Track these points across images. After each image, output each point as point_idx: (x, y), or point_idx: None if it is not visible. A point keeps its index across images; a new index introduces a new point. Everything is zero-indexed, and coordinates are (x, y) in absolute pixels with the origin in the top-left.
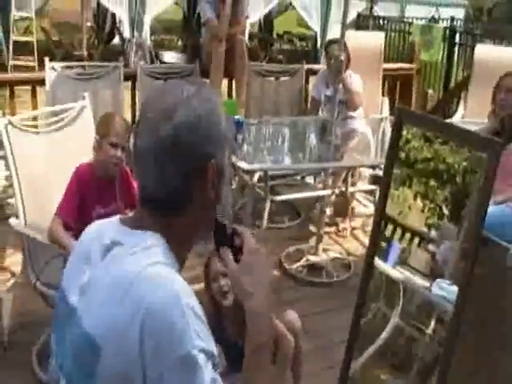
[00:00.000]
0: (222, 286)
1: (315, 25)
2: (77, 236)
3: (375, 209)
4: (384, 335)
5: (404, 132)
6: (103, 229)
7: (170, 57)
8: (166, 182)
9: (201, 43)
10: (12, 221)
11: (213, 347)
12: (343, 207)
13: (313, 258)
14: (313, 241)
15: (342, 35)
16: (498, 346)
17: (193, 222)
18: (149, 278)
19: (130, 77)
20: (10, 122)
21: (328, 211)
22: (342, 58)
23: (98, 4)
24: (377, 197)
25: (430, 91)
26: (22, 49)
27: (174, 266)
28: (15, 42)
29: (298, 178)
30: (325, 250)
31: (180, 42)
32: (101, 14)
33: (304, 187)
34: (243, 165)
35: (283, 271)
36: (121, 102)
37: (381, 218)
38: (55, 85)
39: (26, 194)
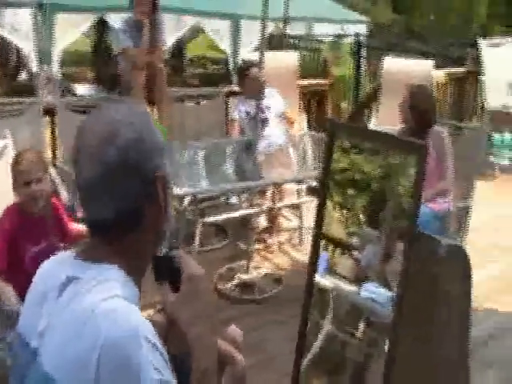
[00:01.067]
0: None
1: (227, 48)
2: (10, 280)
3: (315, 223)
4: (318, 343)
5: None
6: (58, 265)
7: (82, 89)
8: (117, 205)
9: (118, 73)
10: None
11: (170, 376)
12: (270, 223)
13: (244, 277)
14: (243, 259)
15: (262, 56)
16: (431, 334)
17: (147, 237)
18: (105, 314)
19: (48, 112)
20: None
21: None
22: (263, 78)
23: (2, 38)
24: (302, 210)
25: (344, 104)
26: None
27: (132, 296)
28: None
29: (222, 199)
30: (255, 268)
31: (91, 74)
32: (4, 49)
33: (229, 208)
34: (175, 190)
35: (217, 292)
36: (41, 138)
37: (318, 232)
38: None
39: None
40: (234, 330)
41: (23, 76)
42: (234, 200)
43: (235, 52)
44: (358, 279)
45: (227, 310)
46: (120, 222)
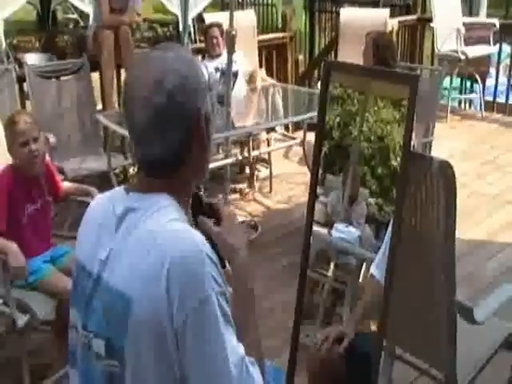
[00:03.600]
0: None
1: (176, 9)
2: (11, 237)
3: (312, 171)
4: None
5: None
6: (110, 201)
7: (31, 58)
8: (170, 144)
9: (87, 35)
10: None
11: (226, 287)
12: (244, 173)
13: None
14: None
15: (231, 13)
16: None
17: (193, 172)
18: (170, 233)
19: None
20: None
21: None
22: (234, 32)
23: None
24: (271, 160)
25: (301, 57)
26: None
27: (186, 221)
28: None
29: None
30: None
31: (37, 43)
32: None
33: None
34: None
35: None
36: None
37: (316, 181)
38: None
39: None
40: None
41: None
42: None
43: (185, 13)
44: (327, 223)
45: None
46: (170, 160)
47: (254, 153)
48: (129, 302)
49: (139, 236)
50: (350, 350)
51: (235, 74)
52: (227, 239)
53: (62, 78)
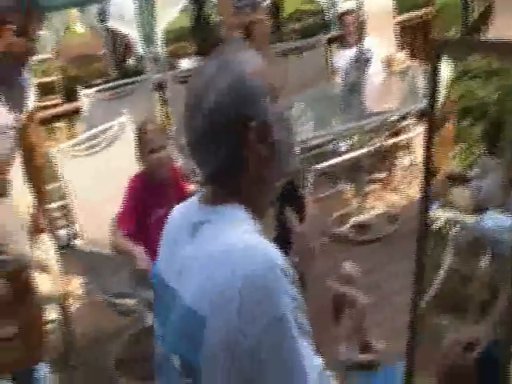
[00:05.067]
0: None
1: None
2: (139, 241)
3: (424, 156)
4: (438, 280)
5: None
6: (185, 213)
7: (186, 63)
8: (220, 153)
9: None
10: (74, 243)
11: (300, 300)
12: (382, 162)
13: (359, 218)
14: (356, 202)
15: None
16: None
17: (256, 181)
18: (242, 249)
19: (157, 88)
20: (59, 151)
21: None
22: (364, 18)
23: (107, 29)
24: (413, 146)
25: (452, 33)
26: (44, 90)
27: (257, 231)
28: (38, 85)
29: (331, 147)
30: (370, 208)
31: (193, 48)
32: (112, 37)
33: (339, 153)
34: None
35: (331, 237)
36: (154, 112)
37: (429, 165)
38: (90, 110)
39: (82, 216)
40: (350, 266)
41: (131, 61)
42: (342, 148)
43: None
44: (477, 210)
45: (342, 254)
46: (226, 169)
47: (392, 140)
48: (201, 321)
49: (211, 251)
50: (484, 357)
51: (367, 61)
52: (307, 242)
53: None
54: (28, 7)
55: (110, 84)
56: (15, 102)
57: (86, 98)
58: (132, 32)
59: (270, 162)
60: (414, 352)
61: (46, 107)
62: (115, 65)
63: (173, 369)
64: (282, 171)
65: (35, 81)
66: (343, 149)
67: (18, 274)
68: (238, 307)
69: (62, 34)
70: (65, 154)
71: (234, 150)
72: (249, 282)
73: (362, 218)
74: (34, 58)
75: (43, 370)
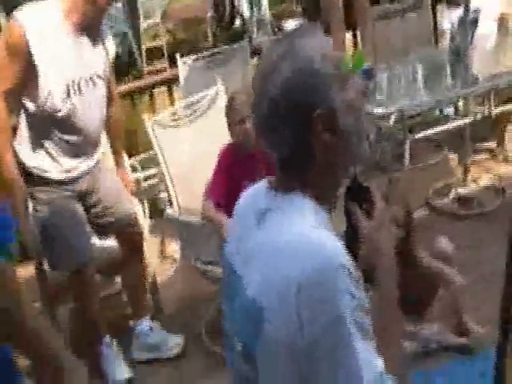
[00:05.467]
0: None
1: None
2: (228, 212)
3: None
4: None
5: None
6: (255, 197)
7: (291, 25)
8: (285, 139)
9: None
10: (168, 211)
11: (363, 296)
12: (493, 130)
13: (462, 190)
14: (460, 172)
15: None
16: None
17: (326, 169)
18: (307, 242)
19: (255, 54)
20: (155, 122)
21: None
22: None
23: None
24: None
25: None
26: (154, 55)
27: (324, 223)
28: (147, 50)
29: (437, 113)
30: (474, 180)
31: (298, 8)
32: (220, 1)
33: (444, 120)
34: (376, 110)
35: (431, 209)
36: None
37: None
38: (188, 78)
39: (176, 185)
40: (445, 242)
41: (237, 23)
42: (449, 111)
43: None
44: None
45: (441, 227)
46: (292, 155)
47: (502, 108)
48: (261, 312)
49: (276, 242)
50: None
51: (474, 22)
52: (374, 239)
53: None
54: None
55: (208, 52)
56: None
57: (184, 65)
58: None
59: (338, 151)
60: (506, 338)
61: (153, 72)
62: (221, 27)
63: (236, 351)
64: (350, 161)
65: (144, 46)
66: (448, 115)
67: (127, 233)
68: (296, 305)
69: None
70: (159, 124)
71: (300, 137)
72: (308, 281)
73: (465, 190)
74: (143, 23)
75: (146, 325)
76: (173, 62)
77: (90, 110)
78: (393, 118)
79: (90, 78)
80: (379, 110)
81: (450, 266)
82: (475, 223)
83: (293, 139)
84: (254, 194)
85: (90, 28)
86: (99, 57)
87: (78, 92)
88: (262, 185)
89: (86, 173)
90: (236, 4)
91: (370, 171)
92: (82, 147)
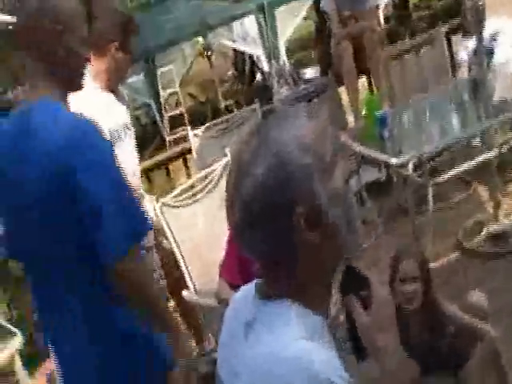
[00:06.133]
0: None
1: None
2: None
3: None
4: None
5: None
6: (244, 302)
7: (309, 72)
8: (267, 245)
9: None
10: (184, 293)
11: None
12: None
13: (494, 227)
14: (491, 207)
15: None
16: None
17: (313, 269)
18: (287, 359)
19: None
20: (163, 204)
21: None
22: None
23: (234, 50)
24: None
25: None
26: (177, 122)
27: (313, 331)
28: (170, 118)
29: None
30: (507, 215)
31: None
32: (239, 58)
33: (471, 152)
34: (393, 160)
35: (462, 250)
36: None
37: None
38: (200, 150)
39: (190, 264)
40: (477, 296)
41: (258, 77)
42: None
43: None
44: None
45: (475, 270)
46: (274, 259)
47: None
48: None
49: (258, 357)
50: None
51: (490, 51)
52: (373, 337)
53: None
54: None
55: (219, 120)
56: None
57: (195, 137)
58: (256, 50)
59: (325, 250)
60: None
61: (176, 140)
62: (242, 84)
63: None
64: (340, 256)
65: (166, 115)
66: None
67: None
68: None
69: (190, 62)
70: (171, 205)
71: (280, 241)
72: None
73: (497, 226)
74: (163, 93)
75: None
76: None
77: (129, 158)
78: (411, 164)
79: (125, 126)
80: (394, 161)
81: (483, 321)
82: (510, 263)
83: (273, 244)
84: (245, 297)
85: (112, 91)
86: (125, 112)
87: (118, 139)
88: (249, 289)
89: None
90: (255, 59)
91: (393, 214)
92: None
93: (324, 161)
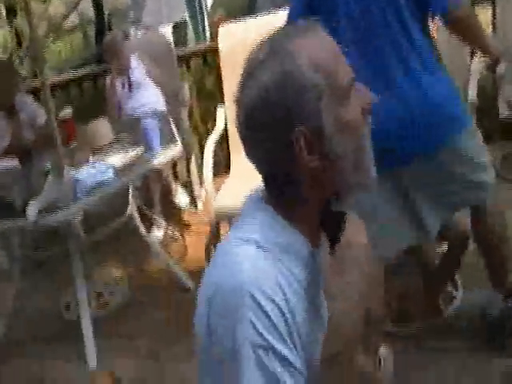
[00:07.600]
0: None
1: None
2: None
3: None
4: None
5: None
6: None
7: None
8: (265, 157)
9: None
10: None
11: (280, 345)
12: None
13: None
14: None
15: None
16: None
17: (309, 190)
18: (227, 259)
19: None
20: None
21: None
22: None
23: None
24: None
25: None
26: None
27: (275, 243)
28: None
29: None
30: None
31: None
32: None
33: None
34: None
35: None
36: None
37: None
38: None
39: None
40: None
41: None
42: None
43: None
44: None
45: None
46: (272, 171)
47: None
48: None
49: (218, 249)
50: None
51: None
52: (329, 280)
53: None
54: None
55: None
56: None
57: None
58: None
59: (323, 177)
60: None
61: None
62: None
63: None
64: (338, 190)
65: None
66: None
67: None
68: (207, 319)
69: None
70: None
71: (279, 157)
72: (215, 296)
73: None
74: None
75: None
76: None
77: None
78: None
79: None
80: None
81: None
82: None
83: (271, 158)
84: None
85: None
86: None
87: None
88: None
89: None
90: None
91: None
92: None
93: (336, 85)
